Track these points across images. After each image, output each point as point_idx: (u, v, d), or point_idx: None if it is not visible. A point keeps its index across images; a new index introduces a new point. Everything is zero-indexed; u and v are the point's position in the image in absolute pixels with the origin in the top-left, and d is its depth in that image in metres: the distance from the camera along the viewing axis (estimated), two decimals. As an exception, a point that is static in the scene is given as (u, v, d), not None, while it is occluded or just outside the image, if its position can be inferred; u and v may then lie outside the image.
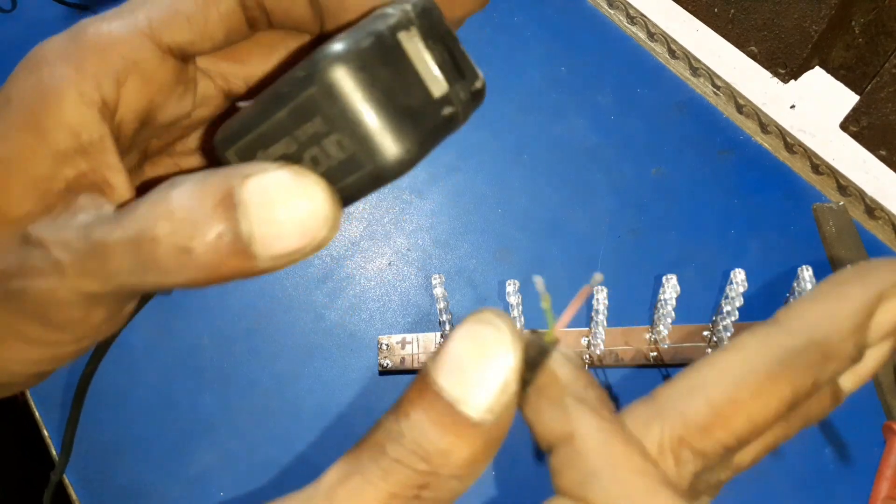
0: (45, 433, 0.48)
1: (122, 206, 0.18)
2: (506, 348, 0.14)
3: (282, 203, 0.15)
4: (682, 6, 0.55)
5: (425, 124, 0.17)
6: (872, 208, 0.52)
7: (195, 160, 0.23)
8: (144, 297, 0.23)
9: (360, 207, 0.55)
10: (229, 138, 0.18)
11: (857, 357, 0.16)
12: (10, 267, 0.18)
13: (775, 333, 0.16)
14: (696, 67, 0.59)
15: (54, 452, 0.47)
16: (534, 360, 0.16)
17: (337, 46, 0.16)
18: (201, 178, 0.16)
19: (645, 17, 0.62)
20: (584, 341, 0.48)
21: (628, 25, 0.62)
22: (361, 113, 0.16)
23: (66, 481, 0.46)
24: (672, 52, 0.60)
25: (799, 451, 0.45)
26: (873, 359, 0.17)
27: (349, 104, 0.16)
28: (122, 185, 0.19)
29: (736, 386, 0.16)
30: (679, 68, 0.60)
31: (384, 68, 0.16)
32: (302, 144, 0.17)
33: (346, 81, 0.16)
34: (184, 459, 0.46)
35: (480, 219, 0.54)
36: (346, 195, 0.17)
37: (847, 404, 0.48)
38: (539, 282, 0.17)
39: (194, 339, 0.50)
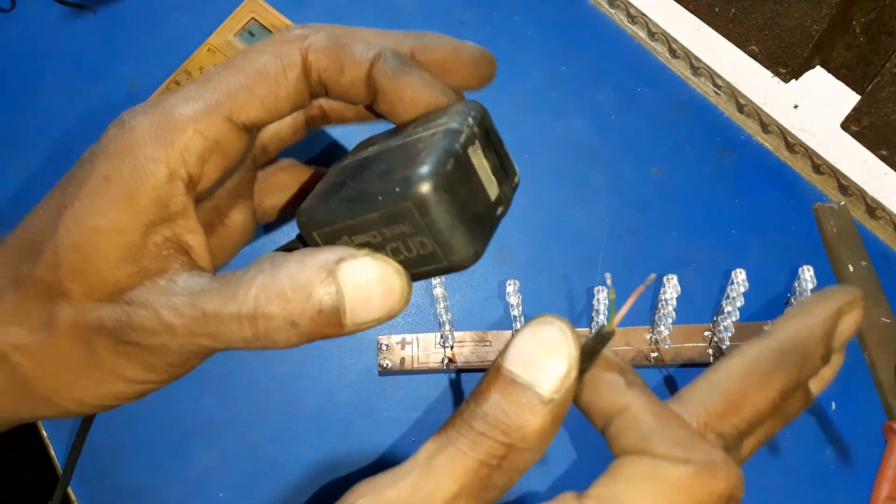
0: (45, 434, 0.48)
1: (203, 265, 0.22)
2: (567, 343, 0.18)
3: (371, 286, 0.19)
4: (682, 5, 0.55)
5: (487, 226, 0.21)
6: (873, 208, 0.52)
7: (244, 188, 0.26)
8: None
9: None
10: (315, 223, 0.21)
11: (826, 359, 0.21)
12: (120, 322, 0.21)
13: (767, 342, 0.20)
14: (696, 67, 0.59)
15: (58, 465, 0.47)
16: (591, 351, 0.19)
17: (426, 169, 0.19)
18: (303, 259, 0.20)
19: (645, 16, 0.62)
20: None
21: (629, 25, 0.62)
22: (445, 225, 0.20)
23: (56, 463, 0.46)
24: (673, 52, 0.60)
25: (799, 451, 0.44)
26: (834, 364, 0.22)
27: (437, 218, 0.19)
28: (200, 246, 0.22)
29: (743, 381, 0.19)
30: (680, 68, 0.60)
31: (461, 185, 0.20)
32: (386, 239, 0.20)
33: (436, 201, 0.19)
34: (184, 460, 0.46)
35: (480, 219, 0.54)
36: (417, 278, 0.21)
37: (847, 404, 0.49)
38: (608, 277, 0.21)
39: (194, 339, 0.50)
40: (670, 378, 0.47)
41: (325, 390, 0.48)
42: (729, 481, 0.18)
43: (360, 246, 0.21)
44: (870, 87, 0.47)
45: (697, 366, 0.47)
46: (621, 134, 0.57)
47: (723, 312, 0.45)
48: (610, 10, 0.63)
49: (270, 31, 0.53)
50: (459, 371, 0.48)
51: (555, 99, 0.59)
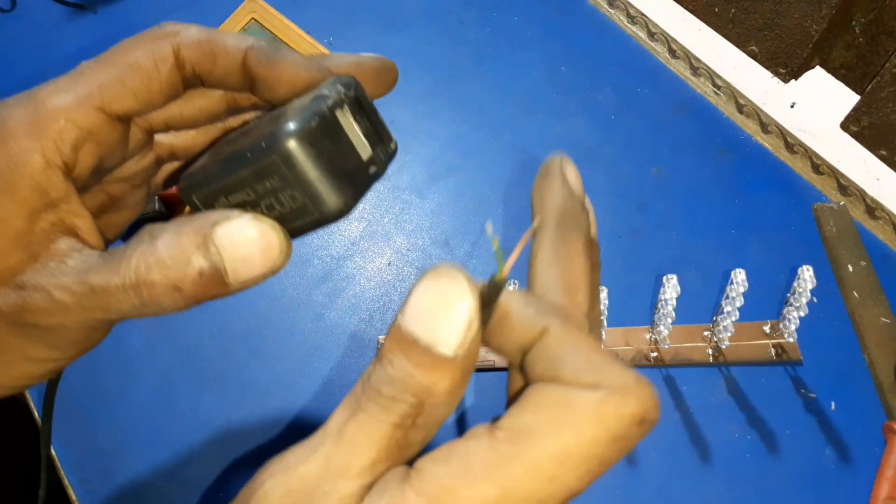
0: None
1: (93, 244, 0.23)
2: (464, 294, 0.18)
3: (247, 242, 0.20)
4: (682, 6, 0.55)
5: (357, 182, 0.22)
6: (873, 208, 0.52)
7: (140, 179, 0.27)
8: None
9: (360, 207, 0.55)
10: (193, 185, 0.23)
11: (584, 210, 0.22)
12: (16, 307, 0.22)
13: (544, 226, 0.21)
14: (696, 67, 0.59)
15: (55, 454, 0.47)
16: (489, 299, 0.19)
17: (291, 125, 0.21)
18: (178, 227, 0.21)
19: (645, 16, 0.62)
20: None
21: (629, 25, 0.62)
22: (312, 176, 0.21)
23: (66, 482, 0.46)
24: (672, 52, 0.60)
25: (799, 451, 0.44)
26: (590, 206, 0.23)
27: (303, 169, 0.21)
28: (88, 227, 0.23)
29: (558, 265, 0.20)
30: (679, 68, 0.60)
31: (327, 141, 0.21)
32: (259, 195, 0.21)
33: (300, 152, 0.21)
34: (184, 459, 0.46)
35: (480, 219, 0.54)
36: (294, 234, 0.22)
37: (847, 404, 0.49)
38: (489, 227, 0.22)
39: (194, 339, 0.50)
40: (670, 378, 0.47)
41: (324, 390, 0.48)
42: (641, 404, 0.18)
43: (236, 206, 0.22)
44: (869, 87, 0.47)
45: (697, 365, 0.47)
46: (621, 134, 0.57)
47: (722, 312, 0.45)
48: (610, 10, 0.63)
49: (270, 32, 0.53)
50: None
51: (555, 99, 0.59)
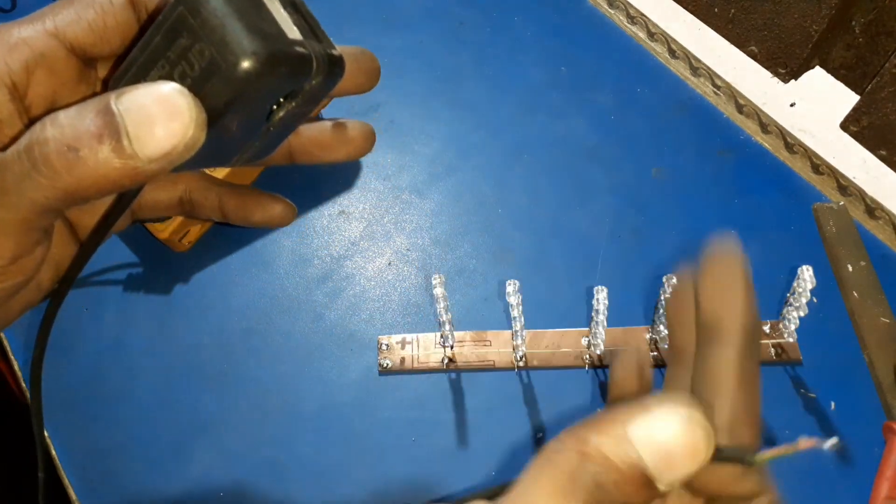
0: (46, 433, 0.48)
1: None
2: (706, 447, 0.18)
3: (151, 109, 0.19)
4: (682, 6, 0.55)
5: (275, 45, 0.20)
6: (873, 208, 0.52)
7: None
8: (75, 262, 0.26)
9: (359, 207, 0.55)
10: (118, 77, 0.21)
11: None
12: None
13: (724, 345, 0.20)
14: (696, 67, 0.59)
15: (55, 454, 0.47)
16: (728, 458, 0.19)
17: None
18: (83, 101, 0.19)
19: (645, 16, 0.62)
20: (584, 341, 0.48)
21: (628, 25, 0.62)
22: (219, 21, 0.19)
23: (67, 482, 0.46)
24: (672, 52, 0.60)
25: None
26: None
27: (209, 14, 0.19)
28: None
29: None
30: (679, 68, 0.60)
31: (242, 1, 0.20)
32: (172, 64, 0.20)
33: (209, 8, 0.19)
34: (184, 459, 0.46)
35: (480, 219, 0.54)
36: (209, 102, 0.20)
37: (847, 404, 0.49)
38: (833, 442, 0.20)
39: (194, 339, 0.50)
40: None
41: (325, 390, 0.48)
42: None
43: None
44: (869, 87, 0.47)
45: (697, 366, 0.47)
46: (621, 134, 0.57)
47: (722, 312, 0.45)
48: (610, 10, 0.63)
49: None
50: (459, 371, 0.48)
51: (555, 99, 0.59)
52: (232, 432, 0.47)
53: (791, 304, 0.45)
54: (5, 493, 0.59)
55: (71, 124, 0.19)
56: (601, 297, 0.44)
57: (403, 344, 0.49)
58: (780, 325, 0.47)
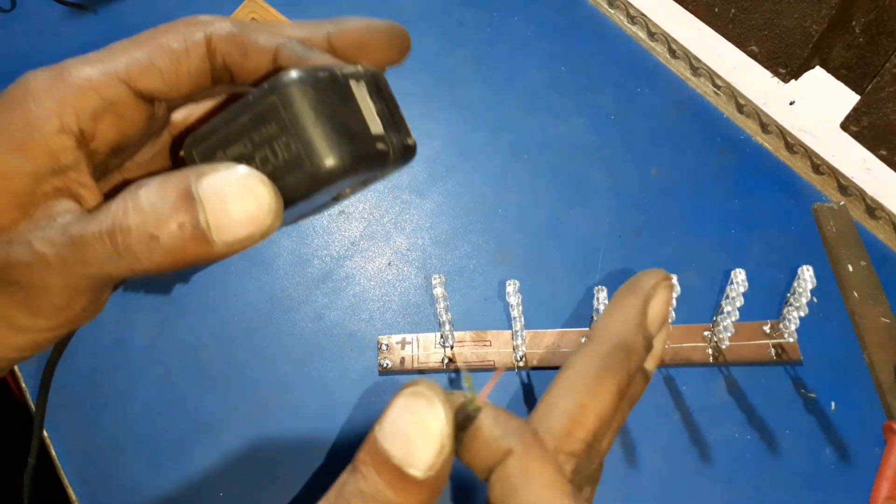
0: (46, 433, 0.48)
1: (93, 210, 0.22)
2: (439, 419, 0.18)
3: (232, 196, 0.19)
4: (682, 6, 0.55)
5: (359, 146, 0.20)
6: (873, 208, 0.52)
7: (158, 164, 0.27)
8: (115, 286, 0.26)
9: (359, 207, 0.55)
10: (196, 141, 0.22)
11: (649, 346, 0.22)
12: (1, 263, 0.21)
13: (590, 347, 0.21)
14: (696, 67, 0.59)
15: (55, 454, 0.47)
16: (463, 424, 0.19)
17: (297, 71, 0.20)
18: (164, 178, 0.20)
19: (645, 16, 0.62)
20: (584, 341, 0.48)
21: (628, 25, 0.62)
22: (310, 120, 0.20)
23: (66, 482, 0.46)
24: (672, 52, 0.60)
25: (799, 451, 0.44)
26: (659, 342, 0.23)
27: (301, 111, 0.19)
28: (93, 200, 0.22)
29: (579, 394, 0.20)
30: (679, 68, 0.60)
31: (334, 96, 0.20)
32: (256, 146, 0.20)
33: (301, 94, 0.20)
34: (184, 459, 0.46)
35: (480, 219, 0.54)
36: (287, 193, 0.20)
37: (847, 404, 0.49)
38: (464, 368, 0.21)
39: (194, 339, 0.50)
40: (670, 378, 0.47)
41: (325, 390, 0.48)
42: None
43: (232, 160, 0.21)
44: (869, 87, 0.47)
45: (697, 365, 0.47)
46: (621, 134, 0.57)
47: (722, 312, 0.45)
48: (610, 10, 0.63)
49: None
50: (459, 371, 0.48)
51: (555, 99, 0.59)
52: (232, 432, 0.47)
53: (791, 304, 0.45)
54: (5, 492, 0.59)
55: (153, 210, 0.19)
56: (601, 297, 0.44)
57: (403, 344, 0.49)
58: (781, 325, 0.47)
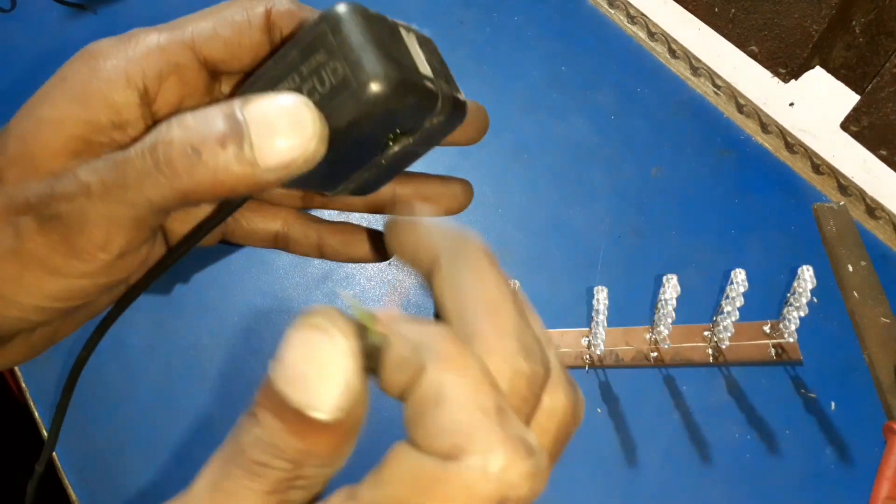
0: (45, 433, 0.48)
1: None
2: (341, 354, 0.15)
3: (276, 120, 0.19)
4: (682, 6, 0.55)
5: (407, 75, 0.20)
6: (873, 208, 0.52)
7: None
8: (154, 270, 0.25)
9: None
10: (249, 84, 0.22)
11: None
12: (44, 195, 0.21)
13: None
14: (696, 67, 0.59)
15: (55, 454, 0.47)
16: (371, 354, 0.16)
17: (348, 2, 0.20)
18: (210, 105, 0.19)
19: (645, 16, 0.62)
20: (584, 341, 0.48)
21: (628, 25, 0.62)
22: (358, 42, 0.19)
23: (66, 482, 0.46)
24: (672, 52, 0.60)
25: (799, 451, 0.44)
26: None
27: (350, 34, 0.19)
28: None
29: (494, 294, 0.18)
30: (679, 68, 0.60)
31: (384, 31, 0.20)
32: (304, 78, 0.20)
33: (351, 20, 0.20)
34: (184, 459, 0.46)
35: (480, 219, 0.54)
36: (334, 120, 0.20)
37: (847, 404, 0.49)
38: (346, 296, 0.20)
39: (194, 339, 0.50)
40: (670, 378, 0.47)
41: (325, 390, 0.48)
42: (501, 483, 0.15)
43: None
44: (869, 87, 0.47)
45: (697, 365, 0.47)
46: (621, 134, 0.57)
47: (722, 312, 0.45)
48: (610, 10, 0.63)
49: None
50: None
51: (555, 99, 0.59)
52: (232, 432, 0.47)
53: (791, 304, 0.45)
54: (5, 492, 0.59)
55: (196, 126, 0.19)
56: (601, 297, 0.44)
57: (403, 344, 0.49)
58: (781, 325, 0.47)
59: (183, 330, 0.50)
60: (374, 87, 0.19)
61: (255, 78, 0.22)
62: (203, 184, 0.19)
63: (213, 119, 0.19)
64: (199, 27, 0.23)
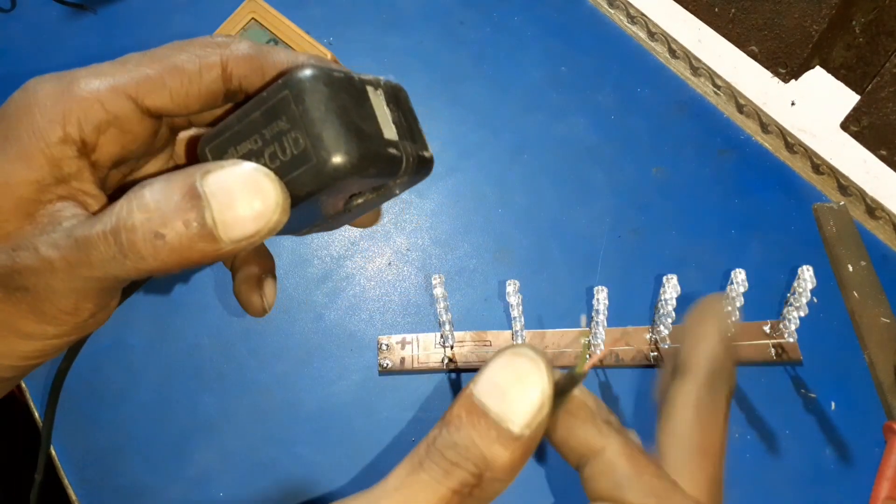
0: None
1: (97, 212, 0.21)
2: (541, 377, 0.18)
3: (238, 193, 0.19)
4: (682, 5, 0.55)
5: (369, 147, 0.20)
6: (873, 208, 0.52)
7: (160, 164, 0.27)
8: (125, 293, 0.26)
9: (360, 207, 0.55)
10: (209, 139, 0.22)
11: (736, 365, 0.23)
12: (5, 268, 0.21)
13: (695, 376, 0.22)
14: (696, 67, 0.59)
15: (55, 454, 0.47)
16: (563, 389, 0.19)
17: (313, 67, 0.20)
18: (169, 176, 0.19)
19: (645, 16, 0.62)
20: (584, 341, 0.48)
21: (629, 25, 0.62)
22: (319, 114, 0.19)
23: (66, 482, 0.46)
24: (672, 52, 0.60)
25: (799, 451, 0.44)
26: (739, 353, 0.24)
27: (312, 105, 0.19)
28: (99, 206, 0.22)
29: (703, 429, 0.21)
30: (679, 68, 0.60)
31: (347, 96, 0.20)
32: (266, 142, 0.20)
33: (313, 89, 0.19)
34: (184, 459, 0.46)
35: (480, 219, 0.54)
36: (294, 189, 0.20)
37: (847, 404, 0.49)
38: (583, 319, 0.20)
39: (194, 339, 0.50)
40: (670, 378, 0.47)
41: (325, 390, 0.48)
42: None
43: (242, 157, 0.21)
44: (869, 87, 0.47)
45: (697, 366, 0.47)
46: (621, 134, 0.57)
47: (723, 312, 0.45)
48: (610, 10, 0.63)
49: (269, 31, 0.53)
50: (459, 371, 0.48)
51: (555, 99, 0.59)
52: (232, 432, 0.47)
53: (791, 304, 0.45)
54: (5, 492, 0.59)
55: (156, 208, 0.19)
56: (601, 297, 0.44)
57: (403, 344, 0.49)
58: (781, 325, 0.47)
59: (183, 330, 0.50)
60: (335, 161, 0.19)
61: (217, 131, 0.21)
62: (168, 262, 0.19)
63: (173, 196, 0.19)
64: (143, 74, 0.22)
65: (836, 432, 0.45)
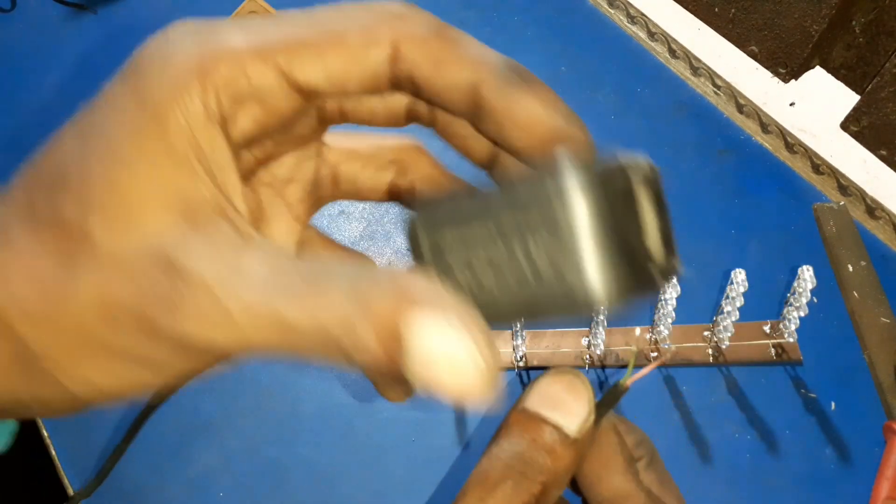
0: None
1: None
2: (586, 388, 0.19)
3: (443, 374, 0.15)
4: (682, 6, 0.55)
5: (629, 280, 0.16)
6: (873, 208, 0.52)
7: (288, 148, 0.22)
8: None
9: (359, 207, 0.55)
10: (427, 221, 0.18)
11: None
12: (157, 298, 0.16)
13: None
14: (696, 67, 0.59)
15: (67, 483, 0.47)
16: (610, 399, 0.20)
17: (578, 169, 0.16)
18: (385, 288, 0.15)
19: (645, 16, 0.62)
20: (584, 341, 0.48)
21: (628, 25, 0.62)
22: (586, 239, 0.15)
23: (66, 482, 0.46)
24: (672, 52, 0.60)
25: (799, 451, 0.44)
26: None
27: (576, 224, 0.15)
28: (243, 209, 0.18)
29: None
30: (679, 68, 0.60)
31: (617, 205, 0.16)
32: (504, 237, 0.16)
33: (582, 203, 0.15)
34: (184, 460, 0.46)
35: (480, 219, 0.54)
36: (513, 308, 0.17)
37: (847, 404, 0.48)
38: (637, 332, 0.20)
39: (194, 339, 0.50)
40: (670, 378, 0.47)
41: (325, 390, 0.48)
42: None
43: (461, 265, 0.17)
44: (869, 87, 0.47)
45: (697, 365, 0.47)
46: (621, 134, 0.57)
47: (722, 312, 0.45)
48: (610, 10, 0.63)
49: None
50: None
51: (555, 99, 0.59)
52: (232, 432, 0.47)
53: (791, 304, 0.45)
54: (5, 493, 0.59)
55: (349, 334, 0.15)
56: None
57: (403, 344, 0.49)
58: (781, 325, 0.47)
59: (183, 330, 0.50)
60: (591, 297, 0.15)
61: (438, 217, 0.18)
62: (370, 369, 0.17)
63: (369, 329, 0.15)
64: (297, 39, 0.17)
65: (836, 432, 0.45)
